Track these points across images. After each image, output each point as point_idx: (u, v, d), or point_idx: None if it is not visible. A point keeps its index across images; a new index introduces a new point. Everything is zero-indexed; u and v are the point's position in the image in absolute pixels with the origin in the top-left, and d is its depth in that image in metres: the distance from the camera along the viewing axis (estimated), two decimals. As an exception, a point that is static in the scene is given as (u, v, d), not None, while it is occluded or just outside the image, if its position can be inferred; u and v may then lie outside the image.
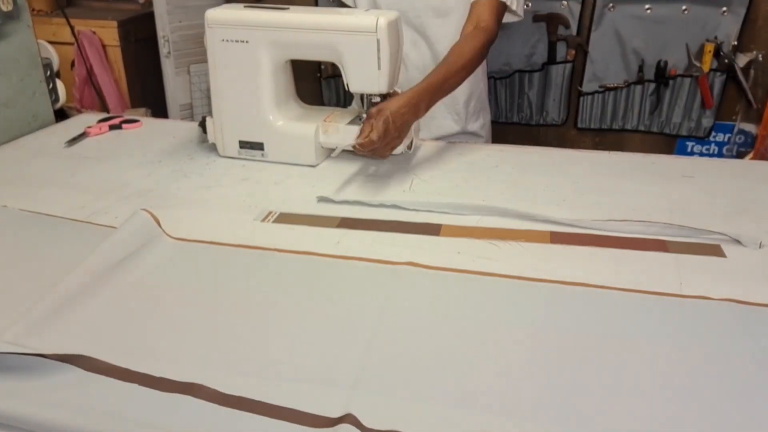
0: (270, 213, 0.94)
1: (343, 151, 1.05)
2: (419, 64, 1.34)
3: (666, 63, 1.84)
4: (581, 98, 1.96)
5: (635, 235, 0.86)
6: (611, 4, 1.82)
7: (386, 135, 0.97)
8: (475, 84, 1.39)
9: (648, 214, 0.91)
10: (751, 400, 0.57)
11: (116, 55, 2.21)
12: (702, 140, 1.95)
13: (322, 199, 0.97)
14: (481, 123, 1.43)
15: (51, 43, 2.04)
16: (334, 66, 1.15)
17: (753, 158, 1.81)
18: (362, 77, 1.04)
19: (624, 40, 1.85)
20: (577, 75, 1.94)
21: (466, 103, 1.38)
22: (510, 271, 0.77)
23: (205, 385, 0.58)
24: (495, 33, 1.22)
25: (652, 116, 1.94)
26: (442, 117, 1.38)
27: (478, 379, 0.60)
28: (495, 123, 2.01)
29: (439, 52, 1.32)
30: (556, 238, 0.85)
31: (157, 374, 0.60)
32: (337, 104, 2.16)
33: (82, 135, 1.25)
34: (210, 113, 1.15)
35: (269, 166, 1.12)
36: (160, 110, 2.23)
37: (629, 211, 0.92)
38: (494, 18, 1.22)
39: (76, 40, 2.12)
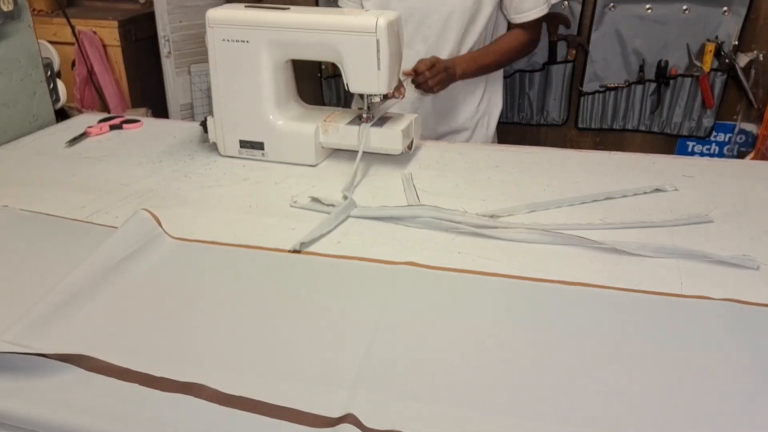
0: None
1: (344, 150, 1.04)
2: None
3: (667, 63, 1.84)
4: (582, 98, 1.96)
5: (644, 253, 0.81)
6: (612, 4, 1.82)
7: (432, 68, 1.24)
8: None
9: (648, 214, 0.91)
10: (751, 400, 0.57)
11: (117, 55, 2.21)
12: (703, 140, 1.95)
13: (315, 200, 0.96)
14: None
15: (52, 43, 2.04)
16: (334, 66, 1.16)
17: (754, 158, 1.81)
18: (362, 77, 1.04)
19: (625, 39, 1.85)
20: (577, 75, 1.94)
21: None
22: (510, 271, 0.77)
23: (206, 385, 0.58)
24: (537, 36, 1.40)
25: (652, 116, 1.94)
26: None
27: (478, 379, 0.60)
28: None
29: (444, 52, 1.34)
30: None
31: (158, 374, 0.60)
32: (338, 104, 2.16)
33: (83, 135, 1.26)
34: (210, 113, 1.15)
35: (270, 166, 1.12)
36: (160, 110, 2.23)
37: (629, 212, 0.92)
38: (536, 28, 1.39)
39: (77, 40, 2.12)
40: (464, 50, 1.37)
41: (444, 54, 1.35)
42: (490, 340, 0.65)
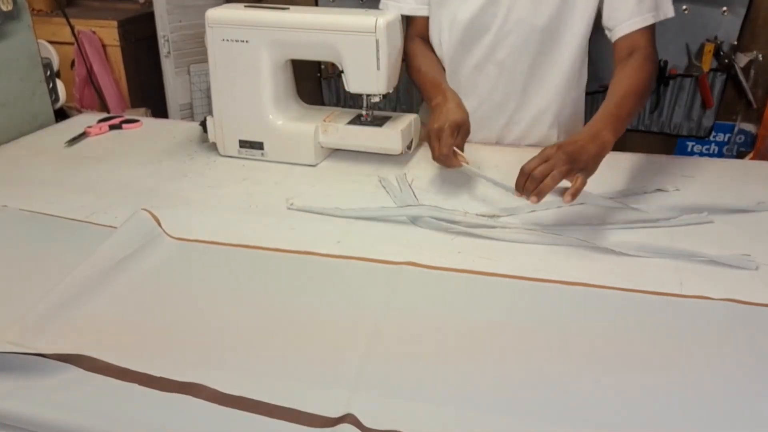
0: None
1: (344, 150, 1.04)
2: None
3: (666, 63, 1.84)
4: (581, 98, 1.96)
5: (643, 254, 0.81)
6: (611, 4, 1.82)
7: (573, 164, 0.87)
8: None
9: (648, 215, 0.91)
10: (751, 399, 0.57)
11: (116, 54, 2.21)
12: (702, 140, 1.95)
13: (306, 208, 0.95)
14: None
15: (51, 42, 2.04)
16: (334, 66, 1.15)
17: (753, 158, 1.81)
18: (361, 77, 1.04)
19: (624, 40, 1.85)
20: (577, 75, 1.94)
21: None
22: (510, 271, 0.77)
23: (205, 385, 0.58)
24: (657, 58, 1.13)
25: (652, 116, 1.94)
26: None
27: (478, 379, 0.60)
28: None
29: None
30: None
31: (157, 374, 0.60)
32: (337, 104, 2.16)
33: (83, 135, 1.25)
34: (210, 113, 1.15)
35: (269, 166, 1.12)
36: (160, 110, 2.23)
37: (630, 212, 0.92)
38: (651, 43, 1.13)
39: (76, 39, 2.12)
40: (545, 78, 1.21)
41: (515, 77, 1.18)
42: (489, 340, 0.65)
